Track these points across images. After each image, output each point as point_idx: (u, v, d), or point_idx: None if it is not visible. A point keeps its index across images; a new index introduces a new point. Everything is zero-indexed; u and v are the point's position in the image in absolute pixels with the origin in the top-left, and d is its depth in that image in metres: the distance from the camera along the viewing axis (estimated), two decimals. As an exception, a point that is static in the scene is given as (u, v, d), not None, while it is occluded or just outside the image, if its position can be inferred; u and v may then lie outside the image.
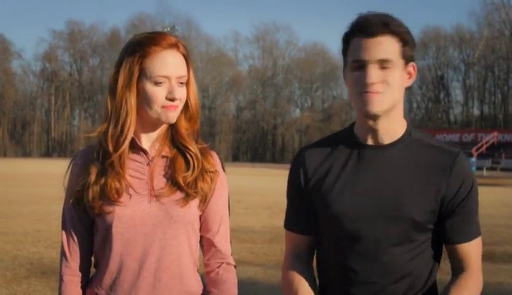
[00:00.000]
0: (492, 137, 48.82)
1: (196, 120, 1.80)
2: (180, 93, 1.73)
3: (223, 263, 1.83)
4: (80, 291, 1.80)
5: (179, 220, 1.74)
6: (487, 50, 64.76)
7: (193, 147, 1.78)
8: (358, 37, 1.66)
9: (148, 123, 1.77)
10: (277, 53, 77.06)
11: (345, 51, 1.71)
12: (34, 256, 7.78)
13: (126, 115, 1.71)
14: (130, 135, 1.73)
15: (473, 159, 41.96)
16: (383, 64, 1.64)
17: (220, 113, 75.29)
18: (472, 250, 1.73)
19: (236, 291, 1.81)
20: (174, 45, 1.73)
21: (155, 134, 1.79)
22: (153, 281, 1.73)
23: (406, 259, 1.70)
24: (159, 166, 1.78)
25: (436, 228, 1.72)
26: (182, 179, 1.74)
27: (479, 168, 39.81)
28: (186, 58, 1.76)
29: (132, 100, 1.71)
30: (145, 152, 1.77)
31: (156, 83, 1.70)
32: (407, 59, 1.68)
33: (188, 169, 1.76)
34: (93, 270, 1.83)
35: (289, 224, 1.87)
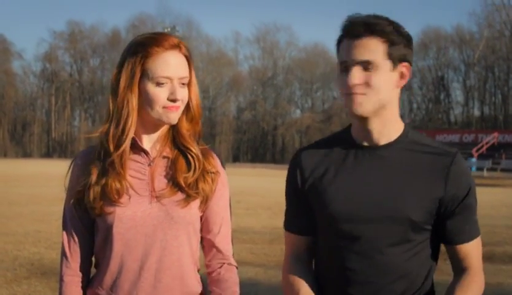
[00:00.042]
0: (492, 138, 48.82)
1: (197, 121, 1.80)
2: (182, 94, 1.73)
3: (224, 263, 1.83)
4: (81, 291, 1.80)
5: (180, 221, 1.74)
6: (488, 50, 64.67)
7: (194, 148, 1.78)
8: (346, 39, 1.67)
9: (149, 124, 1.77)
10: (278, 53, 77.04)
11: (337, 53, 1.73)
12: (35, 257, 7.78)
13: (128, 116, 1.71)
14: (131, 135, 1.73)
15: (473, 160, 42.02)
16: (366, 65, 1.64)
17: (221, 114, 75.18)
18: (473, 250, 1.74)
19: (237, 289, 1.81)
20: (176, 46, 1.73)
21: (156, 135, 1.79)
22: (153, 281, 1.73)
23: (403, 259, 1.70)
24: (160, 166, 1.78)
25: (435, 229, 1.73)
26: (183, 180, 1.74)
27: (480, 169, 39.84)
28: (188, 59, 1.76)
29: (133, 101, 1.71)
30: (146, 152, 1.77)
31: (158, 84, 1.70)
32: (397, 59, 1.67)
33: (189, 170, 1.76)
34: (93, 270, 1.83)
35: (288, 225, 1.87)
